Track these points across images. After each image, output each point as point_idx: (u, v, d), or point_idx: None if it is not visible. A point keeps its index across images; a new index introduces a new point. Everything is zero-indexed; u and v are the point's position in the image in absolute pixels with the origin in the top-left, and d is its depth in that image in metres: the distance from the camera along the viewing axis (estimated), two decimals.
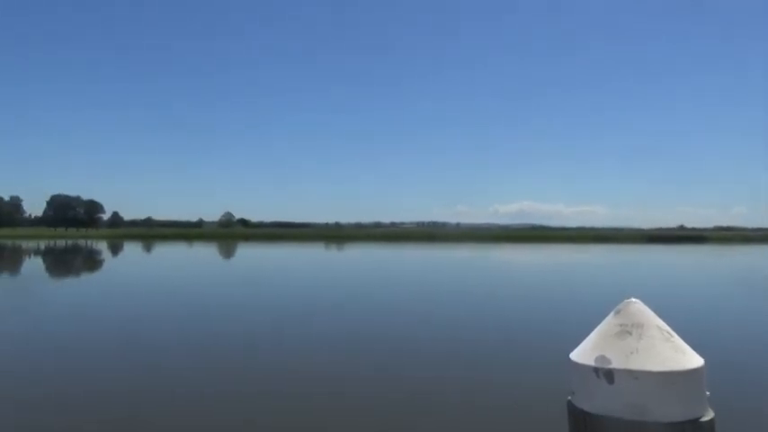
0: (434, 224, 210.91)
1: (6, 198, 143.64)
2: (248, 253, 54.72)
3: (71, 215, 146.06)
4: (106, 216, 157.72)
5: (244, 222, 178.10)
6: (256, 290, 20.19)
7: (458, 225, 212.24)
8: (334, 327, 12.07)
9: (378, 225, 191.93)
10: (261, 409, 6.45)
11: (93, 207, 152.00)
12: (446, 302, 16.57)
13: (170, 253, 53.64)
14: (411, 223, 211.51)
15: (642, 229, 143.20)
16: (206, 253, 53.69)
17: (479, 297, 18.12)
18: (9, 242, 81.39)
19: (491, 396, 7.04)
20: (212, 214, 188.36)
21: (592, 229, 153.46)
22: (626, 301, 1.32)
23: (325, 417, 6.25)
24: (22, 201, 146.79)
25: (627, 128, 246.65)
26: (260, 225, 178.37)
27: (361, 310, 14.71)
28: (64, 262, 41.23)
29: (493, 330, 11.76)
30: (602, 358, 1.17)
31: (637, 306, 1.29)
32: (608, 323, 1.29)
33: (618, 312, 1.29)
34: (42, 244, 74.92)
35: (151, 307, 15.44)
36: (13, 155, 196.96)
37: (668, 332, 1.23)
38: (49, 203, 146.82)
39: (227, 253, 53.87)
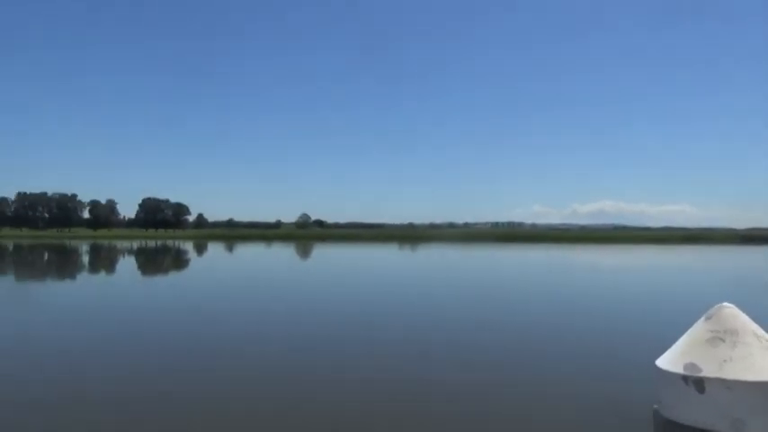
0: (510, 224, 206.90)
1: (103, 201, 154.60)
2: (322, 253, 56.01)
3: (160, 217, 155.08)
4: (192, 218, 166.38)
5: (320, 223, 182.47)
6: (319, 290, 20.71)
7: (534, 225, 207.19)
8: (397, 328, 12.21)
9: (451, 225, 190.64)
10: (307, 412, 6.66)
11: (180, 209, 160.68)
12: (515, 305, 16.32)
13: (248, 254, 55.82)
14: (486, 223, 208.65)
15: (735, 230, 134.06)
16: (283, 254, 55.45)
17: (552, 299, 17.70)
18: (106, 242, 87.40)
19: (569, 402, 6.92)
20: (290, 215, 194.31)
21: (679, 228, 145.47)
22: (718, 305, 1.22)
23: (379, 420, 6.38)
24: (116, 204, 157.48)
25: (716, 124, 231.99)
26: (335, 226, 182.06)
27: (422, 313, 14.77)
28: (154, 261, 43.85)
29: (567, 335, 11.49)
30: (691, 366, 1.09)
31: (730, 311, 1.19)
32: (698, 329, 1.19)
33: (709, 318, 1.20)
34: (135, 244, 79.95)
35: (215, 307, 16.17)
36: (108, 159, 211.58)
37: (767, 340, 1.13)
38: (140, 206, 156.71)
39: (303, 253, 55.40)
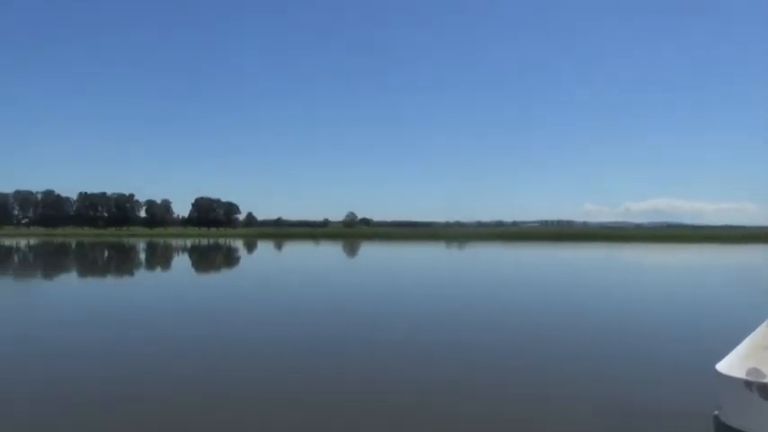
0: (560, 223, 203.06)
1: (159, 201, 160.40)
2: (366, 251, 56.57)
3: (212, 216, 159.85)
4: (242, 216, 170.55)
5: (366, 222, 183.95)
6: (355, 288, 21.10)
7: (585, 224, 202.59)
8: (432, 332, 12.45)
9: (500, 224, 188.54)
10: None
11: (231, 208, 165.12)
12: (557, 306, 16.27)
13: (293, 252, 56.91)
14: (535, 222, 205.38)
15: None
16: (328, 252, 56.33)
17: (600, 300, 17.53)
18: (161, 240, 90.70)
19: (622, 408, 7.01)
20: (337, 214, 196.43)
21: (738, 227, 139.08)
22: None
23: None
24: (171, 203, 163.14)
25: None
26: (382, 224, 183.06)
27: (459, 315, 14.92)
28: (205, 259, 45.39)
29: (617, 338, 11.47)
30: (755, 371, 0.99)
31: None
32: (761, 333, 1.08)
33: None
34: (188, 242, 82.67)
35: (249, 305, 16.75)
36: (161, 159, 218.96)
37: None
38: (193, 205, 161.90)
39: (348, 252, 56.14)
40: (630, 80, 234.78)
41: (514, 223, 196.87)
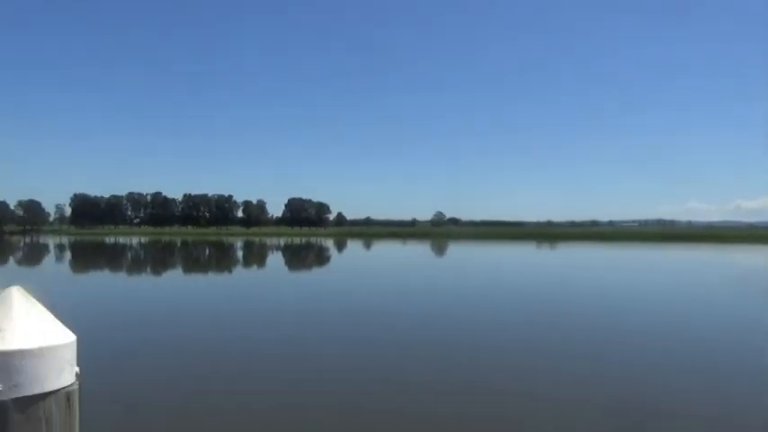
0: (660, 222, 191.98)
1: (254, 201, 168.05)
2: (454, 253, 56.25)
3: (304, 216, 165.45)
4: (332, 216, 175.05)
5: (454, 221, 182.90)
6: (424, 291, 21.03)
7: (689, 223, 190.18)
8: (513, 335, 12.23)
9: (594, 223, 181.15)
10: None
11: (322, 208, 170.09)
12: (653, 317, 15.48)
13: (378, 252, 57.59)
14: (632, 222, 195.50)
15: None
16: (416, 252, 56.55)
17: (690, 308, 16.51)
18: (257, 239, 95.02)
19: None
20: (425, 213, 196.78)
21: None
22: None
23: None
24: (266, 203, 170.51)
25: None
26: (471, 223, 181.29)
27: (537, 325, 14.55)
28: (297, 256, 47.09)
29: (702, 348, 10.82)
30: None
31: None
32: None
33: None
34: (282, 241, 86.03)
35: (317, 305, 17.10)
36: (258, 162, 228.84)
37: None
38: (286, 205, 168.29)
39: (437, 252, 56.10)
40: (715, 59, 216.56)
41: (610, 223, 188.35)
